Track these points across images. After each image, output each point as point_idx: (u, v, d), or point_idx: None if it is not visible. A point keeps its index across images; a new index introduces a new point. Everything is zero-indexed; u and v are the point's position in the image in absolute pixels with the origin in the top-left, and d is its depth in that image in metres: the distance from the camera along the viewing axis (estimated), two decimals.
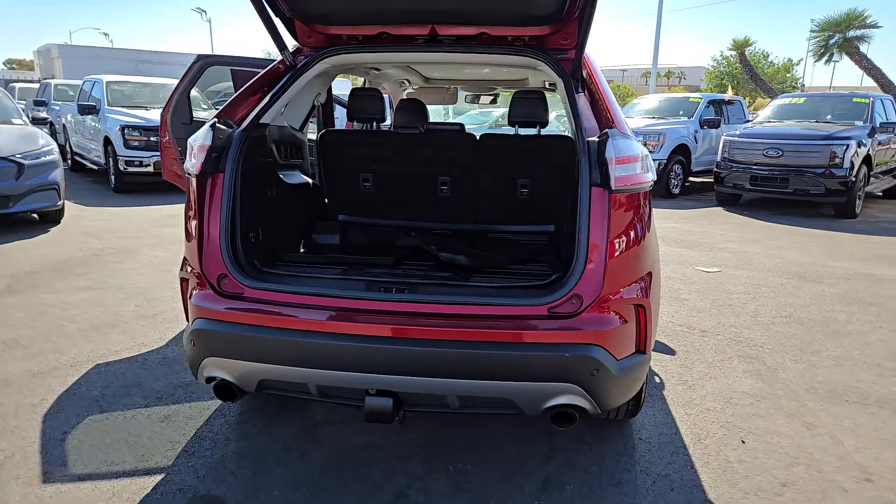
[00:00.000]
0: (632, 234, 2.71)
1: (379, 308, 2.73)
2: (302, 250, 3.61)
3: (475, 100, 6.54)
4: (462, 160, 4.06)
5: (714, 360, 4.59)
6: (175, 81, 15.27)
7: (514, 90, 5.21)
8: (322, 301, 2.77)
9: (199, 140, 2.96)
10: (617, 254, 2.66)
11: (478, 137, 4.04)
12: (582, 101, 3.04)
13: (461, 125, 4.13)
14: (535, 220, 4.19)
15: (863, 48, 15.79)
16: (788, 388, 4.15)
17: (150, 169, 11.45)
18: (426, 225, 4.31)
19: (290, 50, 3.51)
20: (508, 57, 3.41)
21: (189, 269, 3.06)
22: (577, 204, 2.73)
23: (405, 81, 5.86)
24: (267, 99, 3.25)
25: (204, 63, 5.24)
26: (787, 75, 43.42)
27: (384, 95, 4.35)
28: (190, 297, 2.98)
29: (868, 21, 15.85)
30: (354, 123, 4.26)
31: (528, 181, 4.05)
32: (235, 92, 5.70)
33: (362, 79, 5.61)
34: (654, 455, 3.32)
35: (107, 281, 6.35)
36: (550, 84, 5.50)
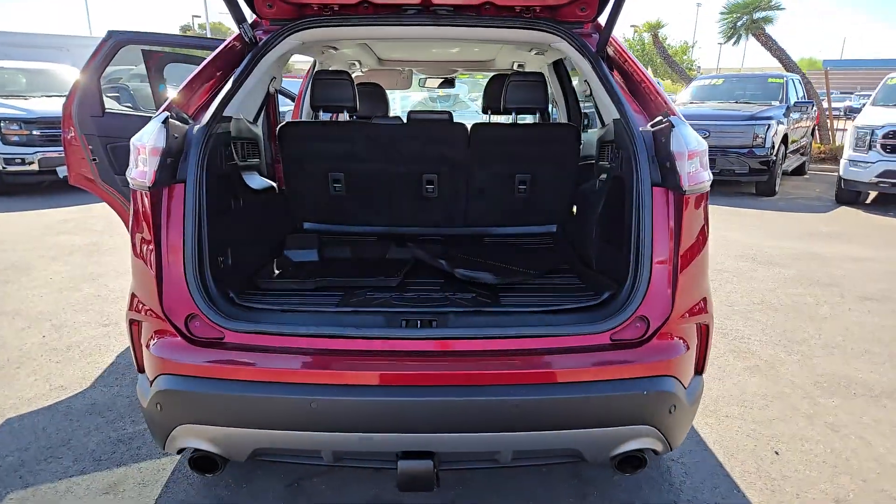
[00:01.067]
0: (700, 241, 2.32)
1: (405, 348, 2.20)
2: (277, 271, 2.98)
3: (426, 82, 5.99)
4: (452, 154, 3.54)
5: (710, 357, 4.35)
6: (55, 66, 13.61)
7: (492, 73, 4.72)
8: (331, 343, 2.20)
9: (149, 141, 2.26)
10: (688, 266, 2.26)
11: (469, 128, 3.53)
12: (617, 83, 2.60)
13: (449, 114, 3.60)
14: (535, 219, 3.75)
15: (768, 29, 16.50)
16: (794, 384, 3.99)
17: (35, 167, 10.04)
18: (408, 231, 3.77)
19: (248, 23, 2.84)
20: (517, 32, 2.91)
21: (142, 308, 2.37)
22: (635, 208, 2.30)
23: (356, 63, 5.22)
24: (230, 85, 2.58)
25: (117, 42, 4.36)
26: (685, 57, 45.55)
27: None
28: (147, 347, 2.30)
29: (772, 3, 16.58)
30: (321, 114, 3.62)
31: (528, 177, 3.60)
32: (150, 80, 4.88)
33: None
34: (695, 480, 2.99)
35: None
36: (519, 64, 5.05)
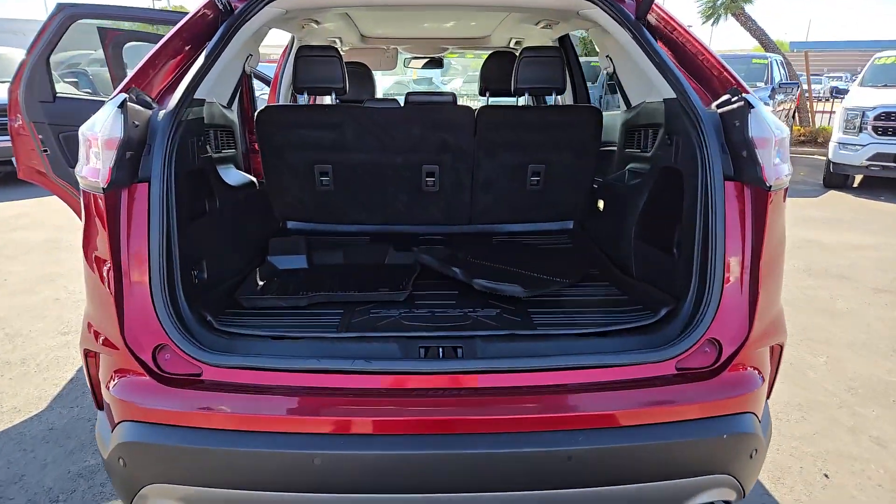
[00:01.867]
0: (780, 247, 1.94)
1: (428, 385, 1.79)
2: (261, 283, 2.53)
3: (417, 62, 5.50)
4: (456, 142, 3.11)
5: None
6: (9, 50, 12.69)
7: (491, 51, 4.27)
8: (336, 381, 1.78)
9: (102, 130, 1.80)
10: (769, 276, 1.89)
11: (476, 111, 3.10)
12: (666, 54, 2.20)
13: (453, 95, 3.16)
14: (549, 215, 3.35)
15: (748, 9, 16.27)
16: (827, 391, 3.68)
17: None
18: (406, 230, 3.34)
19: None
20: None
21: (100, 338, 1.91)
22: (701, 206, 1.92)
23: (337, 41, 4.73)
24: (202, 60, 2.11)
25: (68, 16, 3.81)
26: None
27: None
28: (108, 386, 1.86)
29: None
30: (305, 97, 3.16)
31: (543, 167, 3.19)
32: (107, 62, 4.32)
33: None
34: None
35: None
36: (517, 41, 4.62)
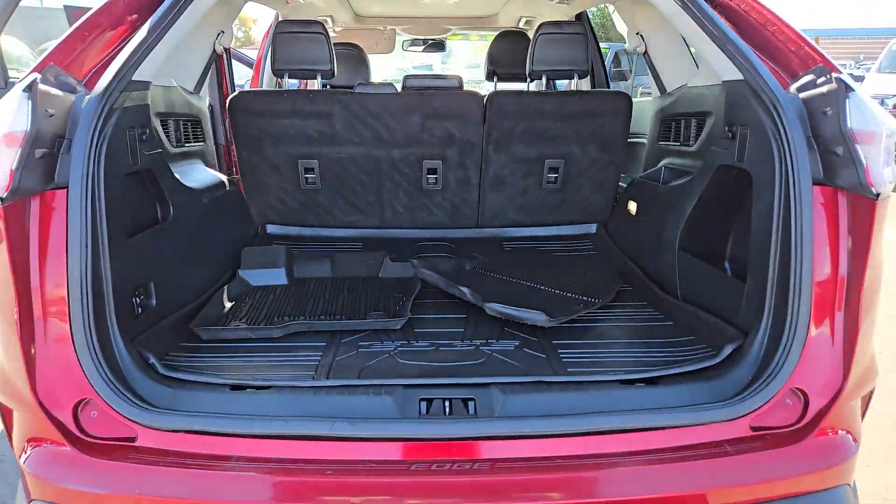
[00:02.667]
0: (880, 271, 1.52)
1: (429, 455, 1.37)
2: (228, 305, 2.09)
3: (419, 44, 5.03)
4: (462, 133, 2.68)
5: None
6: None
7: (499, 31, 3.81)
8: (307, 449, 1.37)
9: (1, 121, 1.37)
10: (870, 308, 1.47)
11: (486, 98, 2.66)
12: (726, 25, 1.76)
13: (458, 78, 2.72)
14: (569, 218, 2.92)
15: None
16: None
17: None
18: (404, 234, 2.91)
19: None
20: None
21: (7, 390, 1.50)
22: (780, 216, 1.50)
23: (327, 20, 4.26)
24: (145, 32, 1.66)
25: None
26: None
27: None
28: (20, 455, 1.45)
29: None
30: (286, 81, 2.71)
31: (562, 162, 2.75)
32: None
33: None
34: None
35: None
36: (527, 20, 4.16)
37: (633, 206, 2.54)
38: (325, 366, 1.69)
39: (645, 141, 2.94)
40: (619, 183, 2.87)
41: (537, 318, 1.84)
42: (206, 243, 2.20)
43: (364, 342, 1.85)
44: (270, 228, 2.88)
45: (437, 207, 2.88)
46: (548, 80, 2.80)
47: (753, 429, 1.44)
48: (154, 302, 1.79)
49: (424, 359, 1.74)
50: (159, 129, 2.13)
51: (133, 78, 1.63)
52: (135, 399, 1.42)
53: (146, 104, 1.80)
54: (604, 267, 2.44)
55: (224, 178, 2.53)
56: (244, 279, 2.28)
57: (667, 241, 2.14)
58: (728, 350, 1.60)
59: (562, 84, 4.00)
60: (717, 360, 1.59)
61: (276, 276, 2.32)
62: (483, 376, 1.61)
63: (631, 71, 14.04)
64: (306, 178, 2.78)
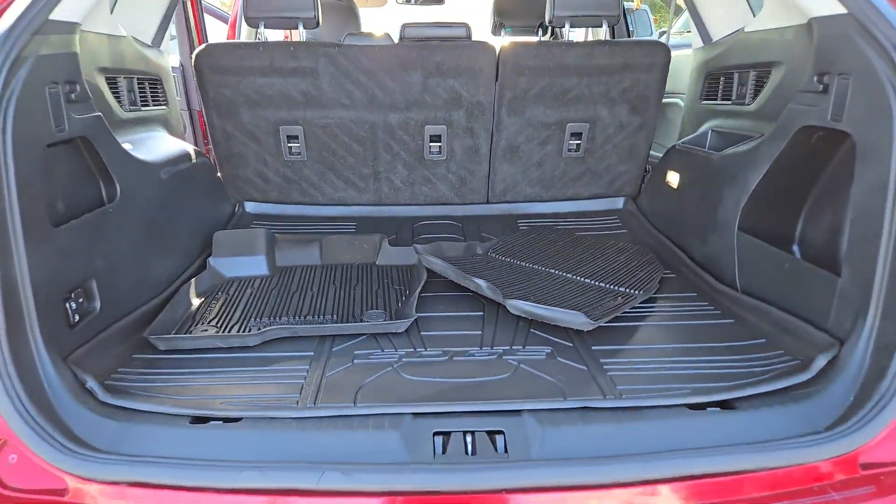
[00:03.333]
0: None
1: None
2: (195, 303, 1.73)
3: None
4: (471, 93, 2.30)
5: None
6: None
7: None
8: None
9: None
10: None
11: (500, 50, 2.27)
12: None
13: (465, 26, 2.31)
14: (593, 191, 2.55)
15: None
16: None
17: None
18: (403, 213, 2.54)
19: None
20: None
21: None
22: None
23: None
24: None
25: None
26: None
27: None
28: None
29: None
30: (262, 32, 2.30)
31: (586, 126, 2.38)
32: None
33: None
34: None
35: None
36: None
37: (673, 178, 2.17)
38: (312, 385, 1.34)
39: (679, 101, 2.56)
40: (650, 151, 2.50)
41: (575, 320, 1.49)
42: (169, 227, 1.82)
43: (360, 350, 1.49)
44: (249, 206, 2.50)
45: (442, 181, 2.51)
46: (576, 27, 2.40)
47: (864, 467, 1.10)
48: (98, 305, 1.42)
49: (436, 373, 1.39)
50: (104, 88, 1.74)
51: (50, 17, 1.24)
52: (64, 439, 1.08)
53: (73, 53, 1.40)
54: (637, 249, 2.08)
55: (192, 148, 2.13)
56: (216, 270, 1.90)
57: (722, 219, 1.78)
58: (822, 362, 1.25)
59: (577, 36, 3.59)
60: (809, 374, 1.25)
61: (255, 265, 1.95)
62: (512, 399, 1.26)
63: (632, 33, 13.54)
64: (289, 148, 2.39)
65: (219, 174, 2.46)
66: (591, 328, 1.48)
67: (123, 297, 1.53)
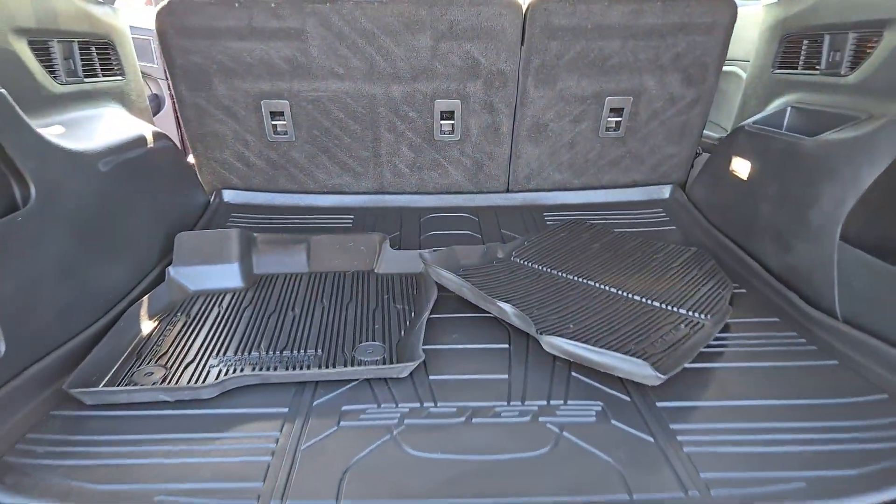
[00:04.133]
0: None
1: None
2: (146, 327, 1.37)
3: None
4: (491, 60, 1.90)
5: None
6: None
7: None
8: None
9: None
10: None
11: (527, 6, 1.86)
12: None
13: None
14: (634, 177, 2.16)
15: None
16: None
17: None
18: (409, 202, 2.17)
19: None
20: None
21: None
22: None
23: None
24: None
25: None
26: None
27: None
28: None
29: None
30: None
31: (629, 100, 1.98)
32: None
33: None
34: None
35: None
36: None
37: (740, 166, 1.77)
38: (282, 463, 0.99)
39: (738, 70, 2.14)
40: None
41: (639, 371, 1.12)
42: (113, 231, 1.46)
43: (350, 405, 1.14)
44: (228, 195, 2.13)
45: (454, 165, 2.12)
46: None
47: None
48: (2, 347, 1.07)
49: (449, 443, 1.04)
50: (24, 55, 1.36)
51: None
52: None
53: None
54: (694, 253, 1.70)
55: (150, 129, 1.75)
56: (177, 282, 1.54)
57: (817, 224, 1.39)
58: None
59: None
60: None
61: (227, 276, 1.59)
62: (556, 493, 0.91)
63: None
64: (274, 126, 2.01)
65: (191, 158, 2.08)
66: (658, 383, 1.11)
67: (43, 330, 1.18)
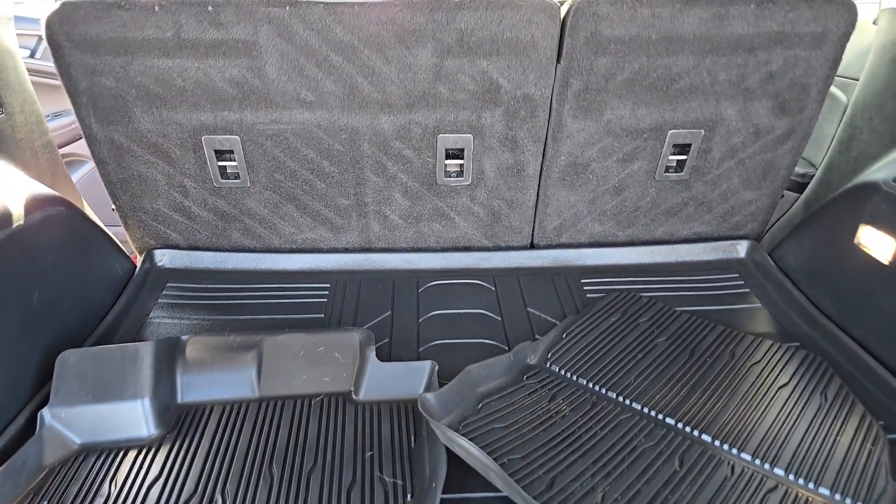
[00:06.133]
0: None
1: None
2: None
3: None
4: (516, 83, 1.39)
5: None
6: None
7: None
8: None
9: None
10: None
11: (565, 8, 1.34)
12: None
13: None
14: (699, 230, 1.66)
15: None
16: None
17: None
18: (404, 266, 1.66)
19: None
20: None
21: None
22: None
23: None
24: None
25: None
26: None
27: None
28: None
29: None
30: None
31: (700, 134, 1.48)
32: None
33: None
34: None
35: None
36: None
37: (871, 238, 1.27)
38: None
39: (835, 90, 1.64)
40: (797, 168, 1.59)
41: None
42: None
43: None
44: (163, 257, 1.61)
45: (464, 215, 1.61)
46: None
47: None
48: None
49: None
50: None
51: None
52: None
53: None
54: (802, 358, 1.21)
55: (31, 192, 1.23)
56: (56, 432, 1.03)
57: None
58: None
59: None
60: None
61: (132, 421, 1.08)
62: None
63: None
64: (222, 169, 1.49)
65: (97, 223, 1.56)
66: None
67: None
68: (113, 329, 1.37)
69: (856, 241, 1.29)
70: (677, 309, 1.43)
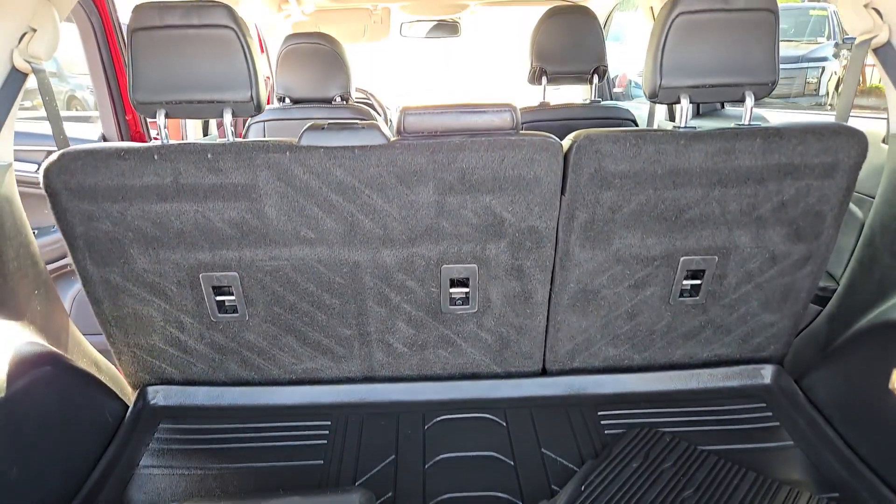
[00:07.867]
0: None
1: None
2: None
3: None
4: (521, 217, 1.35)
5: None
6: None
7: (549, 6, 2.41)
8: None
9: None
10: None
11: (573, 143, 1.30)
12: None
13: (511, 109, 1.34)
14: (719, 354, 1.60)
15: None
16: None
17: None
18: (409, 396, 1.59)
19: None
20: None
21: None
22: None
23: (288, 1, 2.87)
24: None
25: None
26: None
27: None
28: None
29: None
30: (160, 122, 1.34)
31: (713, 261, 1.43)
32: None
33: None
34: None
35: None
36: None
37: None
38: None
39: (856, 208, 1.60)
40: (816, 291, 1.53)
41: None
42: None
43: None
44: (157, 395, 1.55)
45: (471, 342, 1.55)
46: (696, 102, 1.41)
47: None
48: None
49: None
50: None
51: None
52: None
53: None
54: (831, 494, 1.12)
55: (14, 346, 1.18)
56: None
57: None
58: None
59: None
60: None
61: None
62: None
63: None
64: (219, 304, 1.45)
65: (90, 359, 1.50)
66: None
67: None
68: (99, 486, 1.29)
69: (891, 385, 1.22)
70: (703, 449, 1.35)
